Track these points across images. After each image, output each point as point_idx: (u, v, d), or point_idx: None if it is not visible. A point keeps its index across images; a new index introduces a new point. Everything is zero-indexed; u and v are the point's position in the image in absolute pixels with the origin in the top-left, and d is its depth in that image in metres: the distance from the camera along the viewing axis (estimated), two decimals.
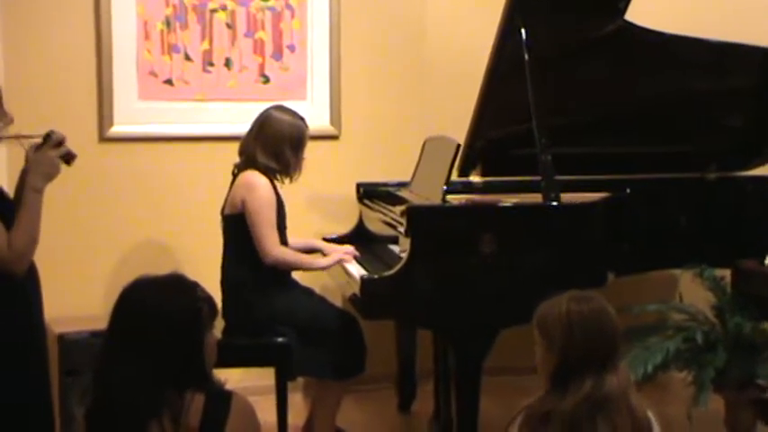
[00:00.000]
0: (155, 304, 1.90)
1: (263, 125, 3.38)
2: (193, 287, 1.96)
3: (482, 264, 3.00)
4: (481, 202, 3.60)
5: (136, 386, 1.85)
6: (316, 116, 4.09)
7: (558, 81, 3.47)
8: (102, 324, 2.00)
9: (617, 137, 3.71)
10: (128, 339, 1.89)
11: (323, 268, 3.47)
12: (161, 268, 2.06)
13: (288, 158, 3.36)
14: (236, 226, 3.33)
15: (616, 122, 3.67)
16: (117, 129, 3.98)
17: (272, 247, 3.28)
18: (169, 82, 4.04)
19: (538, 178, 3.21)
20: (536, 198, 3.24)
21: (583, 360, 1.98)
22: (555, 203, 3.16)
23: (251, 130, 3.42)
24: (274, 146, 3.35)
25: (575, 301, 2.06)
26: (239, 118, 3.94)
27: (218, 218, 3.44)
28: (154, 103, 4.02)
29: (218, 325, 3.23)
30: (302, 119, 3.43)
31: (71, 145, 2.47)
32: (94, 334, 3.46)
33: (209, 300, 1.97)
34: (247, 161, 3.38)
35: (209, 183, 3.95)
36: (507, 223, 3.10)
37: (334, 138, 4.22)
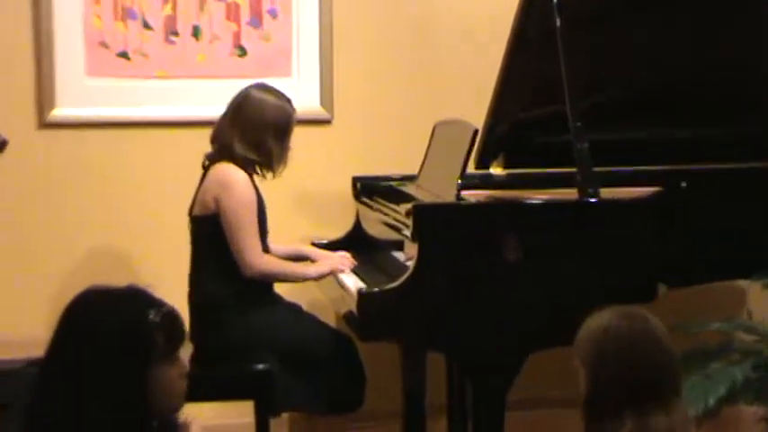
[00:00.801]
0: (97, 322, 1.90)
1: (241, 108, 3.40)
2: (146, 306, 1.94)
3: (505, 274, 3.02)
4: (504, 198, 3.60)
5: (72, 427, 1.84)
6: (303, 96, 4.08)
7: (597, 49, 3.48)
8: (42, 350, 2.00)
9: (671, 118, 3.72)
10: (66, 366, 1.89)
11: (313, 279, 3.48)
12: (115, 282, 2.06)
13: (270, 148, 3.38)
14: (208, 230, 3.35)
15: (669, 100, 3.69)
16: (60, 112, 3.99)
17: (255, 258, 3.31)
18: (124, 55, 4.05)
19: (572, 170, 3.23)
20: (571, 194, 3.26)
21: (619, 393, 1.96)
22: (594, 200, 3.17)
23: (225, 113, 3.44)
24: (254, 133, 3.37)
25: (615, 316, 2.05)
26: (210, 99, 3.96)
27: (186, 220, 3.46)
28: (105, 80, 4.02)
29: (187, 350, 3.27)
30: (288, 100, 3.45)
31: (2, 130, 2.49)
32: (32, 363, 3.43)
33: (171, 322, 1.96)
34: (221, 151, 3.40)
35: (173, 177, 3.97)
36: (536, 224, 3.11)
37: (325, 122, 4.22)
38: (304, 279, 3.49)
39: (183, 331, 2.00)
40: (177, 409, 2.00)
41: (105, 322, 1.91)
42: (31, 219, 4.02)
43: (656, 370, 2.01)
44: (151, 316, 1.93)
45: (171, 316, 1.97)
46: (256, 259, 3.30)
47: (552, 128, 3.43)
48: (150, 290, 2.00)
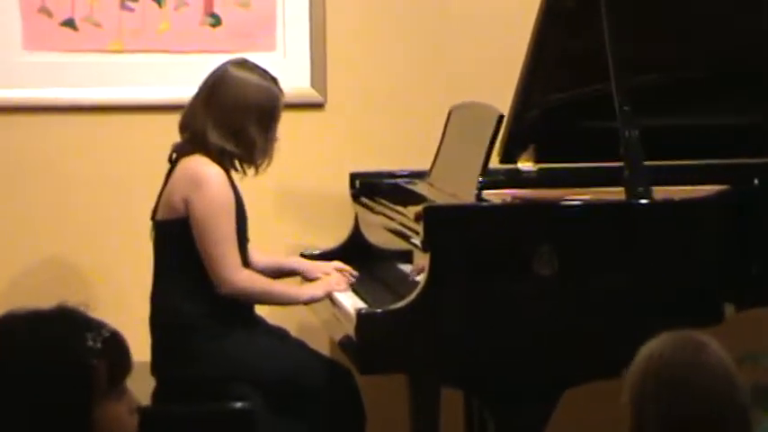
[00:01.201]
0: (23, 357, 1.88)
1: (216, 89, 3.40)
2: (84, 329, 1.92)
3: (537, 291, 3.03)
4: (535, 200, 3.59)
5: None
6: (290, 75, 4.02)
7: (649, 18, 3.48)
8: None
9: (738, 103, 3.71)
10: None
11: (306, 302, 3.50)
12: (62, 299, 2.03)
13: (252, 138, 3.38)
14: (175, 236, 3.35)
15: (738, 81, 3.67)
16: None
17: (233, 272, 3.30)
18: (70, 24, 4.03)
19: (618, 164, 3.21)
20: (616, 194, 3.24)
21: None
22: (644, 201, 3.15)
23: (197, 96, 3.43)
24: (232, 119, 3.37)
25: (666, 343, 2.06)
26: (177, 78, 3.96)
27: (148, 225, 3.45)
28: (47, 55, 4.02)
29: (146, 385, 3.30)
30: (273, 80, 3.44)
31: None
32: None
33: (114, 347, 1.94)
34: (192, 142, 3.39)
35: (132, 174, 3.97)
36: (573, 231, 3.11)
37: (317, 107, 4.21)
38: (293, 303, 3.52)
39: (129, 357, 1.98)
40: None
41: (33, 355, 1.89)
42: None
43: (714, 406, 2.01)
44: (90, 342, 1.91)
45: (113, 340, 1.95)
46: (234, 274, 3.30)
47: (593, 113, 3.46)
48: (84, 309, 1.98)
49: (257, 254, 3.58)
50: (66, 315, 1.95)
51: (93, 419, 1.90)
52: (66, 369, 1.88)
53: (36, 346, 1.89)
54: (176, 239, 3.34)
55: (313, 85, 4.21)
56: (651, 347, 2.08)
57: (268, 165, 3.44)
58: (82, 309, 1.98)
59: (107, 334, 1.94)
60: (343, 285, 3.49)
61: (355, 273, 3.56)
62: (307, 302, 3.49)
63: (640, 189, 3.15)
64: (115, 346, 1.95)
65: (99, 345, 1.91)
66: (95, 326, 1.94)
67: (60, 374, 1.88)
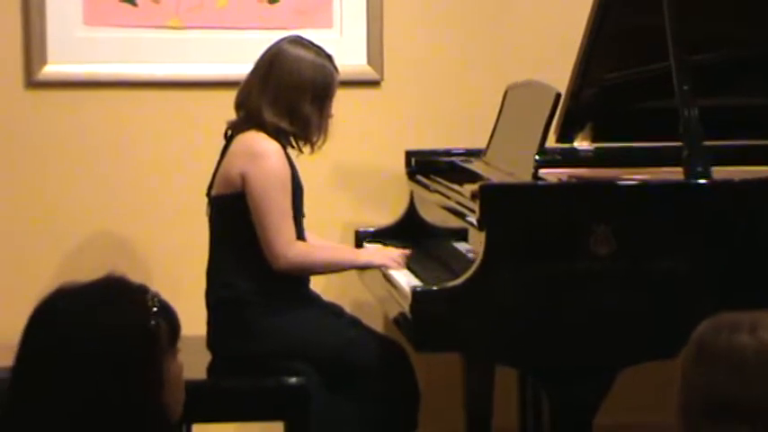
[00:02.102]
0: (84, 321, 1.93)
1: (272, 66, 3.41)
2: (141, 293, 1.99)
3: (594, 271, 3.03)
4: (592, 179, 3.59)
5: None
6: (347, 52, 4.07)
7: None
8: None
9: None
10: (42, 377, 1.91)
11: (362, 267, 3.52)
12: (117, 268, 2.09)
13: (307, 116, 3.39)
14: (231, 212, 3.37)
15: None
16: (52, 69, 4.02)
17: (287, 245, 3.32)
18: (130, 0, 4.06)
19: (677, 144, 3.20)
20: (675, 173, 3.25)
21: (710, 407, 1.96)
22: (705, 181, 3.15)
23: (253, 73, 3.45)
24: (288, 97, 3.38)
25: (721, 320, 2.03)
26: (234, 55, 3.98)
27: (203, 200, 3.47)
28: (106, 31, 4.05)
29: (202, 358, 3.34)
30: (329, 57, 3.46)
31: None
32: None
33: (165, 311, 2.00)
34: (248, 119, 3.41)
35: (188, 150, 4.01)
36: (631, 211, 3.11)
37: (373, 84, 4.21)
38: (351, 266, 3.53)
39: (177, 320, 2.04)
40: (177, 414, 2.04)
41: (105, 315, 1.94)
42: (15, 197, 4.05)
43: (765, 387, 1.99)
44: (149, 303, 1.98)
45: (162, 300, 2.02)
46: (288, 246, 3.32)
47: (652, 92, 3.46)
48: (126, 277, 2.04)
49: (312, 237, 3.57)
50: (120, 281, 2.02)
51: (164, 374, 1.97)
52: (138, 325, 1.95)
53: (102, 309, 1.95)
54: (232, 214, 3.36)
55: (369, 62, 4.22)
56: (705, 327, 2.05)
57: (323, 142, 3.46)
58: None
59: (155, 294, 2.02)
60: (401, 263, 3.48)
61: (409, 252, 3.56)
62: (363, 267, 3.52)
63: (699, 169, 3.14)
64: (167, 307, 2.02)
65: (157, 306, 1.99)
66: (143, 289, 2.02)
67: (134, 332, 1.94)
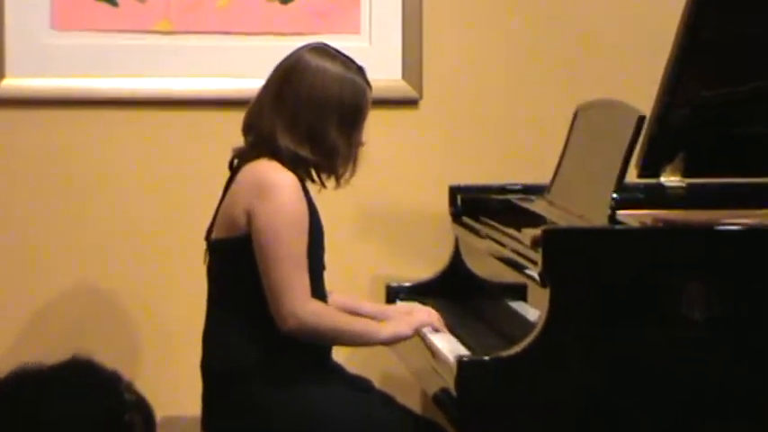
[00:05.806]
0: (53, 414, 1.94)
1: (290, 81, 3.25)
2: (114, 381, 2.00)
3: (684, 338, 2.96)
4: (684, 222, 3.50)
5: None
6: (379, 65, 3.96)
7: None
8: None
9: None
10: None
11: (389, 342, 3.35)
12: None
13: (332, 142, 3.23)
14: (235, 260, 3.22)
15: None
16: (11, 83, 4.02)
17: (299, 302, 3.15)
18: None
19: None
20: None
21: None
22: None
23: (266, 88, 3.29)
24: (309, 119, 3.22)
25: None
26: (238, 66, 4.02)
27: (201, 245, 3.31)
28: (79, 36, 4.03)
29: None
30: (360, 70, 3.29)
31: None
32: None
33: (140, 404, 2.03)
34: (259, 145, 3.25)
35: (183, 182, 4.01)
36: (734, 264, 3.02)
37: (410, 104, 4.18)
38: (372, 343, 3.35)
39: (152, 414, 2.08)
40: None
41: (77, 422, 1.97)
42: None
43: None
44: (125, 395, 2.02)
45: (136, 391, 2.06)
46: (299, 306, 3.13)
47: (758, 115, 3.43)
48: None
49: (336, 297, 3.44)
50: (88, 367, 2.05)
51: None
52: (109, 427, 1.99)
53: (76, 412, 1.98)
54: (236, 263, 3.20)
55: (405, 76, 4.19)
56: None
57: (351, 175, 3.29)
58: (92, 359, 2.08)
59: (129, 383, 2.05)
60: (437, 323, 3.37)
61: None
62: (390, 342, 3.33)
63: None
64: (142, 399, 2.05)
65: (132, 397, 2.03)
66: (117, 376, 2.05)
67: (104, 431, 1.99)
